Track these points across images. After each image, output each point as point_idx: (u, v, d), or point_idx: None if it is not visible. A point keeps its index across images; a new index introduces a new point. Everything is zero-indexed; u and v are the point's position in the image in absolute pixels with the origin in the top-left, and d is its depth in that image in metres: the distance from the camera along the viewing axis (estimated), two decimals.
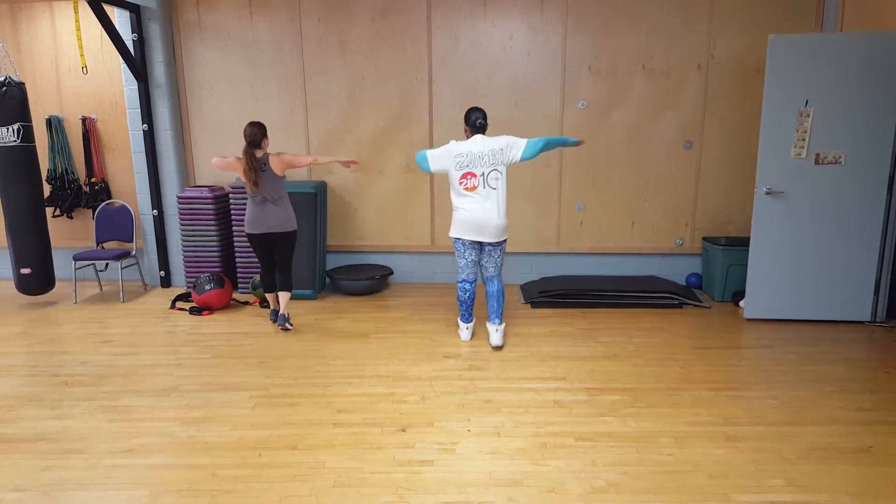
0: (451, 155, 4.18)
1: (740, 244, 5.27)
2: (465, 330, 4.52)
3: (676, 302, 5.31)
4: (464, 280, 4.40)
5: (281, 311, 4.73)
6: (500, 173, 4.16)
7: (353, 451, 2.99)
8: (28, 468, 2.89)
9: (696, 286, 5.82)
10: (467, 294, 4.42)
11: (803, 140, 4.51)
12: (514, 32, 5.60)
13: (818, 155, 4.53)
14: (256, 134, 4.46)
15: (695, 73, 5.52)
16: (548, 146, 4.18)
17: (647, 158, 5.72)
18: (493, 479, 2.75)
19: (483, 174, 4.13)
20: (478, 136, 4.19)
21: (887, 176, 4.50)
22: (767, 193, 4.63)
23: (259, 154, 4.50)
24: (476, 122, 4.20)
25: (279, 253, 4.69)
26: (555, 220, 5.91)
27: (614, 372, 3.92)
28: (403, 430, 3.19)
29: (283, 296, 4.74)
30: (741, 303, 5.06)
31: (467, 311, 4.48)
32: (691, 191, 5.75)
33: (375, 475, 2.79)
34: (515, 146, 4.17)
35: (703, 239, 5.69)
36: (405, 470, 2.83)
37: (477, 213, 4.16)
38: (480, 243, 4.30)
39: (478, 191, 4.15)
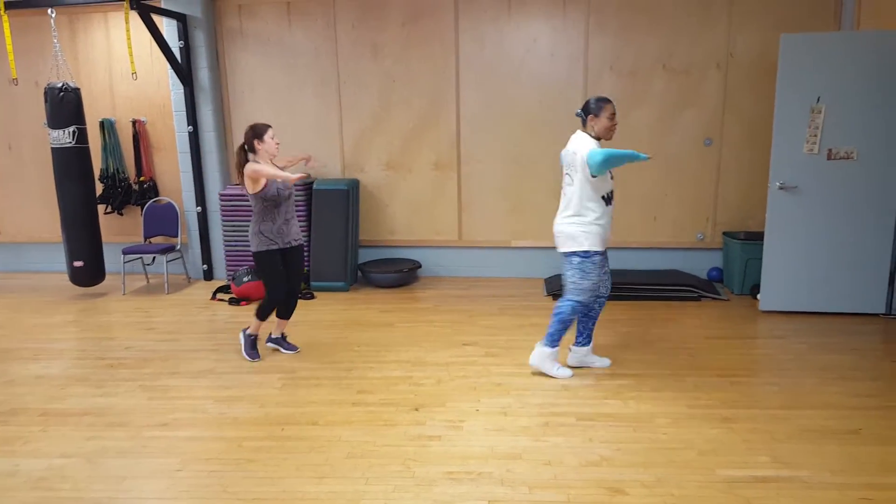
0: None
1: (759, 239, 5.33)
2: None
3: (695, 295, 5.41)
4: None
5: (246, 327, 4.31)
6: (572, 179, 3.62)
7: (368, 427, 3.24)
8: (74, 438, 3.22)
9: (718, 280, 5.90)
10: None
11: (815, 136, 4.57)
12: (538, 35, 5.78)
13: (830, 150, 4.59)
14: (246, 135, 3.95)
15: (714, 71, 5.60)
16: (611, 160, 3.42)
17: (667, 155, 5.82)
18: (494, 452, 2.96)
19: (563, 175, 3.74)
20: (578, 131, 3.70)
21: None
22: (781, 188, 4.70)
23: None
24: (576, 114, 3.74)
25: None
26: None
27: (624, 360, 4.07)
28: (416, 410, 3.43)
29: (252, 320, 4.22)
30: (758, 296, 5.13)
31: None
32: (712, 187, 5.83)
33: (386, 448, 3.03)
34: (579, 156, 3.54)
35: (724, 234, 5.77)
36: (414, 444, 3.06)
37: None
38: None
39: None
